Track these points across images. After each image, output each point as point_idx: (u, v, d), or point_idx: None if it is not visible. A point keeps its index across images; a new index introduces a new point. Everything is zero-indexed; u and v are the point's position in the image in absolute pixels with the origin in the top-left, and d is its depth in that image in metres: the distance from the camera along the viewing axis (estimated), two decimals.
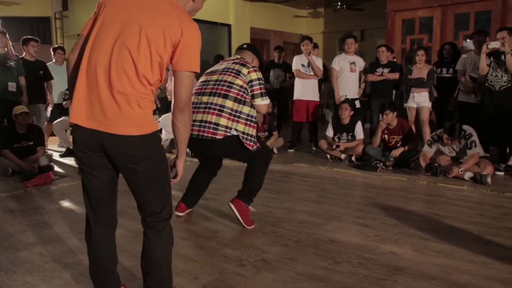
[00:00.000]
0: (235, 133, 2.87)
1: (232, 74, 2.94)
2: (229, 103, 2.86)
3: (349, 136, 5.74)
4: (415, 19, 7.60)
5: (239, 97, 2.89)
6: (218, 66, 3.10)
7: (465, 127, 4.79)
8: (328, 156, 5.88)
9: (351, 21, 10.49)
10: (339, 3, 9.63)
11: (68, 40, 11.45)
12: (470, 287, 2.22)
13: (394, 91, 6.63)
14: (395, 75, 6.21)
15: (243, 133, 2.92)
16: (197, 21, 7.49)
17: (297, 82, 6.54)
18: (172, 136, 6.41)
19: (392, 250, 2.70)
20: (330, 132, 5.93)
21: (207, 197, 3.97)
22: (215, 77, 2.99)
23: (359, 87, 6.44)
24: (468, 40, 7.10)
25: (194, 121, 2.88)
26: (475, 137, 4.69)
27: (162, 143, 6.18)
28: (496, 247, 2.77)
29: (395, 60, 6.85)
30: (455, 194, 4.14)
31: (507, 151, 5.28)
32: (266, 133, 6.60)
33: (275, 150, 6.48)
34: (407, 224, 3.18)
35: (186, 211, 3.39)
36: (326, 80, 7.36)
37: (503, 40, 5.02)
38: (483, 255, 2.62)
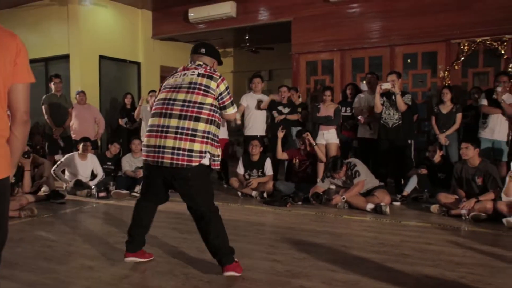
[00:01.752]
0: (208, 156, 2.76)
1: (201, 93, 2.75)
2: (201, 126, 2.71)
3: (259, 173, 5.87)
4: (317, 61, 8.14)
5: (210, 117, 2.76)
6: (180, 78, 2.84)
7: (350, 159, 5.24)
8: (239, 193, 5.93)
9: (260, 62, 10.95)
10: (247, 44, 10.01)
11: None
12: None
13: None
14: (294, 116, 6.48)
15: (213, 154, 2.80)
16: (105, 58, 7.32)
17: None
18: (76, 178, 6.08)
19: (302, 284, 2.75)
20: (241, 169, 6.00)
21: (113, 241, 3.78)
22: (181, 96, 2.75)
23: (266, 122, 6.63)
24: (364, 82, 7.76)
25: (164, 147, 2.70)
26: (359, 167, 5.13)
27: (65, 185, 5.83)
28: (396, 273, 2.96)
29: (300, 99, 7.21)
30: (359, 225, 4.38)
31: (402, 182, 5.75)
32: None
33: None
34: (316, 257, 3.27)
35: (144, 256, 3.17)
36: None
37: (393, 82, 5.58)
38: (385, 281, 2.78)
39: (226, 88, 2.86)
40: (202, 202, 2.89)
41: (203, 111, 2.73)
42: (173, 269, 3.04)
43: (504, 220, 4.26)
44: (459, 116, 5.78)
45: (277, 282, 2.79)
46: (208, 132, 2.75)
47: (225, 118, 3.01)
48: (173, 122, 2.71)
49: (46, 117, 7.00)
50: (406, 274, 2.94)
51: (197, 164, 2.71)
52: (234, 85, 11.42)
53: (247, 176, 5.97)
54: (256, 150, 5.85)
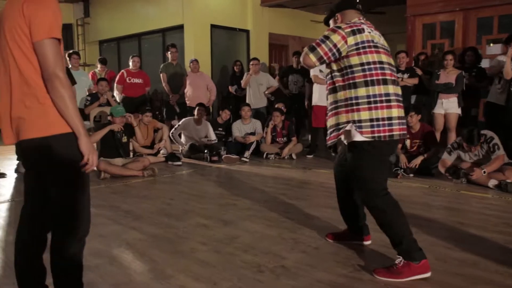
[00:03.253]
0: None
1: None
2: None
3: None
4: (436, 23, 7.49)
5: None
6: (381, 39, 2.50)
7: (484, 131, 4.68)
8: None
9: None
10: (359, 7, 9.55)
11: (90, 46, 11.67)
12: None
13: (414, 96, 6.52)
14: (414, 81, 6.14)
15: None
16: (216, 27, 7.50)
17: (315, 88, 6.50)
18: (191, 141, 6.49)
19: None
20: None
21: (225, 202, 3.98)
22: (390, 59, 2.48)
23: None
24: (491, 45, 6.95)
25: (403, 117, 2.44)
26: (496, 140, 4.57)
27: (181, 148, 6.27)
28: None
29: (413, 65, 6.76)
30: (480, 202, 4.04)
31: None
32: (285, 138, 6.58)
33: (294, 156, 6.46)
34: (428, 233, 3.11)
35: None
36: None
37: None
38: (509, 266, 2.54)
39: None
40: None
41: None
42: (281, 233, 3.12)
43: None
44: None
45: (385, 254, 2.70)
46: None
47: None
48: (395, 89, 2.45)
49: (164, 84, 7.50)
50: None
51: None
52: None
53: None
54: None
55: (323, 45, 2.39)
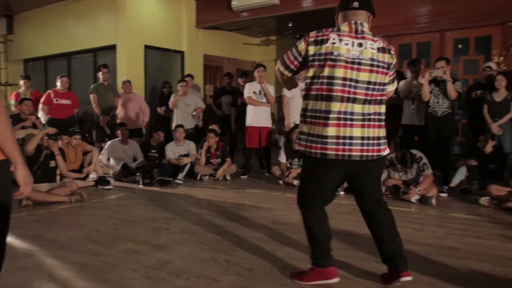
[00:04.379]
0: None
1: (384, 72, 2.36)
2: (383, 109, 2.40)
3: (300, 162, 5.80)
4: None
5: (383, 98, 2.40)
6: (355, 49, 2.28)
7: (413, 151, 5.00)
8: (281, 182, 5.92)
9: None
10: (290, 32, 9.91)
11: (13, 65, 11.05)
12: None
13: None
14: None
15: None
16: (150, 47, 7.42)
17: (249, 109, 6.60)
18: (122, 162, 6.29)
19: (344, 274, 2.71)
20: (282, 158, 5.99)
21: (158, 226, 3.88)
22: (364, 75, 2.29)
23: None
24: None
25: (352, 138, 2.30)
26: (425, 160, 4.92)
27: (111, 171, 6.05)
28: (441, 267, 2.86)
29: None
30: (405, 216, 4.26)
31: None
32: (219, 159, 6.57)
33: (228, 177, 6.46)
34: (359, 249, 3.22)
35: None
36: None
37: (443, 69, 5.34)
38: (430, 275, 2.69)
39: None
40: (381, 192, 2.63)
41: (384, 93, 2.39)
42: (215, 255, 3.08)
43: None
44: None
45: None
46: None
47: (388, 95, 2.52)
48: (358, 108, 2.30)
49: (94, 105, 7.25)
50: (453, 268, 2.84)
51: (384, 153, 2.42)
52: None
53: (288, 165, 5.95)
54: None
55: (289, 54, 2.47)
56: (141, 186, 5.87)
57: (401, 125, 6.18)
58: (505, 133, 5.51)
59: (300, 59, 2.43)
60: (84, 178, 5.84)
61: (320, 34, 2.35)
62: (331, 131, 2.29)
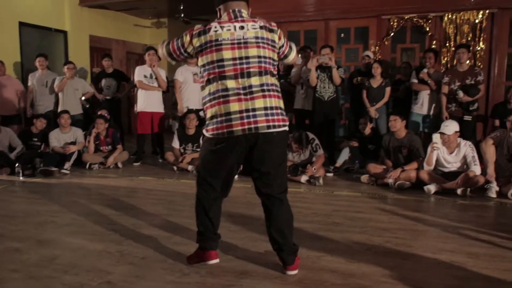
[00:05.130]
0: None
1: (271, 49, 2.43)
2: (275, 80, 2.44)
3: (194, 147, 5.81)
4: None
5: (275, 72, 2.48)
6: (239, 32, 2.36)
7: (308, 133, 5.29)
8: (175, 168, 5.86)
9: None
10: (182, 15, 9.71)
11: None
12: (305, 280, 2.44)
13: None
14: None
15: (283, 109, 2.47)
16: (26, 25, 6.72)
17: (140, 94, 6.38)
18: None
19: (237, 255, 2.80)
20: (176, 143, 5.92)
21: (42, 220, 3.61)
22: (253, 51, 2.35)
23: None
24: (299, 56, 7.84)
25: (254, 109, 2.31)
26: (317, 141, 5.28)
27: None
28: (327, 241, 3.10)
29: None
30: (294, 196, 4.46)
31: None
32: (110, 146, 6.27)
33: (119, 165, 6.21)
34: (250, 229, 3.33)
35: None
36: (168, 92, 7.23)
37: (329, 55, 5.70)
38: (317, 250, 2.90)
39: (283, 35, 2.56)
40: (284, 175, 2.59)
41: (274, 66, 2.46)
42: (107, 247, 2.96)
43: (425, 187, 4.59)
44: (388, 90, 6.03)
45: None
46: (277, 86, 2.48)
47: (290, 62, 2.78)
48: (254, 80, 2.35)
49: None
50: (336, 242, 3.09)
51: (286, 124, 2.44)
52: None
53: (182, 150, 5.90)
54: (192, 124, 5.78)
55: (175, 42, 2.49)
56: (21, 178, 5.36)
57: (292, 109, 6.49)
58: (381, 116, 6.07)
59: (182, 50, 2.48)
60: None
61: (202, 27, 2.43)
62: (233, 107, 2.31)
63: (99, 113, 6.48)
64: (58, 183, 5.17)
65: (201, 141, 5.73)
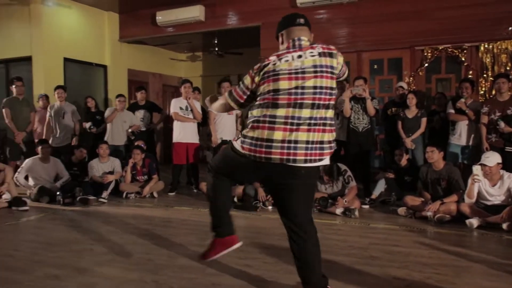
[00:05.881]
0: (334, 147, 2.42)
1: (329, 76, 2.35)
2: (330, 114, 2.38)
3: None
4: None
5: (331, 102, 2.40)
6: (296, 61, 2.33)
7: (339, 164, 5.24)
8: None
9: (229, 66, 10.93)
10: (216, 48, 9.99)
11: None
12: None
13: None
14: None
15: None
16: (70, 60, 7.09)
17: (176, 125, 6.53)
18: (40, 184, 5.87)
19: (274, 287, 2.75)
20: None
21: (80, 248, 3.67)
22: (310, 82, 2.30)
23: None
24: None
25: (296, 142, 2.28)
26: (349, 172, 5.21)
27: (28, 192, 5.65)
28: (365, 275, 3.00)
29: None
30: (329, 228, 4.43)
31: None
32: (146, 176, 6.40)
33: (155, 194, 6.30)
34: (286, 261, 3.27)
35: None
36: (205, 124, 7.35)
37: (363, 87, 5.71)
38: (354, 284, 2.82)
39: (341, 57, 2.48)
40: (311, 206, 2.61)
41: (332, 97, 2.38)
42: (143, 276, 2.98)
43: (467, 221, 4.42)
44: (424, 120, 5.94)
45: (248, 287, 2.77)
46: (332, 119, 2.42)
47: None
48: (305, 112, 2.30)
49: (7, 121, 6.75)
50: (375, 276, 2.99)
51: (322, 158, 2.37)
52: (203, 89, 11.31)
53: None
54: None
55: (238, 89, 2.51)
56: (61, 206, 5.52)
57: None
58: (417, 147, 5.96)
59: (248, 93, 2.48)
60: None
61: (260, 64, 2.43)
62: (276, 135, 2.29)
63: (135, 143, 6.66)
64: (96, 211, 5.28)
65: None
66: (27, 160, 6.12)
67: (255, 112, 2.39)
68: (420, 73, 7.11)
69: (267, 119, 2.31)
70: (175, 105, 6.51)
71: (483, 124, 5.51)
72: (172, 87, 11.14)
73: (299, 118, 2.28)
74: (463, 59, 6.76)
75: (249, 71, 2.47)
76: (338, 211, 4.99)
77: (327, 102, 2.34)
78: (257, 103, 2.40)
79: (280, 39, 2.53)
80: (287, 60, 2.34)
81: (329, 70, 2.34)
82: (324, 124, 2.34)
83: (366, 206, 5.45)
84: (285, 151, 2.28)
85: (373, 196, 5.58)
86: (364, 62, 7.56)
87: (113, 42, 9.39)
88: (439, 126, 6.21)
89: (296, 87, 2.29)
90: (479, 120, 5.58)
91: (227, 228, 2.60)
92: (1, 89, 8.72)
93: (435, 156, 4.91)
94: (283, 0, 7.69)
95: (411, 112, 5.99)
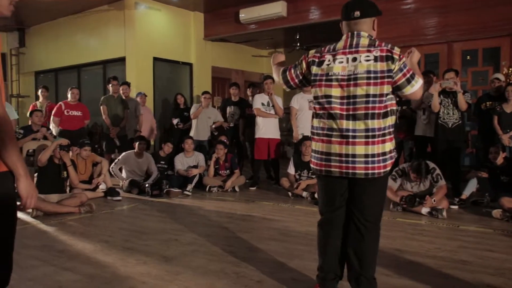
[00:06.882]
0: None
1: (385, 82, 2.21)
2: (388, 122, 2.28)
3: (309, 173, 5.80)
4: None
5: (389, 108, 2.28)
6: (350, 65, 2.24)
7: (428, 162, 4.96)
8: (290, 193, 5.91)
9: None
10: (298, 44, 9.96)
11: (24, 77, 11.21)
12: None
13: None
14: None
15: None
16: (159, 59, 7.51)
17: (258, 121, 6.61)
18: (132, 177, 6.30)
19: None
20: (291, 170, 5.98)
21: (167, 238, 3.88)
22: (362, 89, 2.22)
23: None
24: None
25: (354, 155, 2.25)
26: (438, 171, 4.89)
27: (121, 183, 6.06)
28: (454, 281, 2.82)
29: None
30: (414, 228, 4.22)
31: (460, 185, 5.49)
32: (228, 171, 6.58)
33: (237, 189, 6.45)
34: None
35: None
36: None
37: (454, 79, 5.33)
38: None
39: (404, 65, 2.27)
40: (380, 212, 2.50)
41: (389, 103, 2.26)
42: (224, 267, 3.07)
43: None
44: None
45: None
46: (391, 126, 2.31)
47: (405, 97, 2.44)
48: (359, 124, 2.24)
49: (104, 117, 7.31)
50: (466, 282, 2.79)
51: (386, 170, 2.31)
52: None
53: (297, 177, 5.94)
54: (308, 151, 5.80)
55: (292, 71, 2.52)
56: (149, 197, 5.88)
57: (413, 136, 6.18)
58: None
59: (301, 77, 2.49)
60: (94, 189, 5.87)
61: (317, 55, 2.37)
62: (334, 148, 2.28)
63: (219, 139, 6.87)
64: (181, 203, 5.55)
65: None
66: (124, 153, 6.59)
67: (315, 122, 2.40)
68: None
69: (326, 132, 2.32)
70: (257, 101, 6.59)
71: None
72: (255, 83, 11.30)
73: (354, 130, 2.24)
74: None
75: (304, 56, 2.44)
76: (424, 210, 4.74)
77: (382, 111, 2.23)
78: (315, 112, 2.39)
79: (342, 30, 2.42)
80: (341, 62, 2.27)
81: (385, 75, 2.21)
82: (383, 135, 2.25)
83: (455, 207, 5.11)
84: (344, 164, 2.27)
85: (463, 196, 5.21)
86: (456, 53, 7.09)
87: (198, 40, 9.77)
88: None
89: (348, 96, 2.25)
90: None
91: (317, 277, 2.57)
92: (99, 87, 9.48)
93: None
94: None
95: (510, 106, 5.51)
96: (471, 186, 5.24)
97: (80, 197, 5.09)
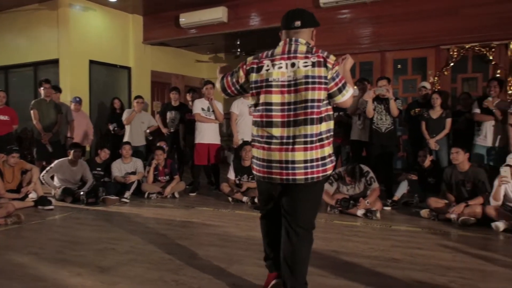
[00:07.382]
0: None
1: (322, 88, 2.26)
2: (324, 127, 2.32)
3: (249, 178, 5.84)
4: None
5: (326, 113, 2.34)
6: (289, 71, 2.28)
7: (361, 166, 5.17)
8: (230, 199, 5.91)
9: None
10: (238, 50, 10.02)
11: None
12: None
13: None
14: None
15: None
16: (95, 62, 7.27)
17: (198, 126, 6.56)
18: (65, 184, 6.00)
19: None
20: (231, 175, 5.99)
21: (103, 247, 3.73)
22: (301, 95, 2.25)
23: None
24: (355, 88, 7.80)
25: (294, 162, 2.28)
26: (372, 174, 5.13)
27: (53, 192, 5.75)
28: (386, 278, 2.96)
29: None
30: (350, 230, 4.38)
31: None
32: (167, 177, 6.46)
33: (176, 195, 6.36)
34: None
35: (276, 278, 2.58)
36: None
37: (386, 87, 5.61)
38: (375, 287, 2.77)
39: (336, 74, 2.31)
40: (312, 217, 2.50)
41: (324, 108, 2.30)
42: (163, 275, 3.01)
43: (492, 224, 4.30)
44: (448, 121, 5.81)
45: None
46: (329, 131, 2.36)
47: (337, 105, 2.44)
48: (299, 130, 2.27)
49: (35, 122, 6.93)
50: (397, 279, 2.94)
51: (326, 174, 2.35)
52: None
53: (237, 181, 5.96)
54: (248, 155, 5.84)
55: (229, 78, 2.52)
56: (85, 205, 5.63)
57: (349, 141, 6.41)
58: (441, 148, 5.83)
59: (237, 86, 2.51)
60: (23, 199, 5.52)
61: (256, 61, 2.39)
62: (274, 155, 2.31)
63: (158, 144, 6.73)
64: (119, 211, 5.37)
65: None
66: (57, 161, 6.24)
67: (255, 130, 2.42)
68: (446, 73, 6.97)
69: (265, 139, 2.34)
70: (197, 106, 6.54)
71: (510, 125, 5.35)
72: (195, 88, 11.23)
73: (294, 136, 2.27)
74: (490, 58, 6.60)
75: (242, 64, 2.46)
76: (360, 212, 4.93)
77: (322, 115, 2.29)
78: (255, 119, 2.41)
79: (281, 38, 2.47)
80: (280, 67, 2.31)
81: (322, 80, 2.26)
82: (321, 140, 2.30)
83: (388, 208, 5.37)
84: (284, 171, 2.31)
85: (395, 198, 5.49)
86: (388, 62, 7.46)
87: (137, 44, 9.55)
88: (464, 127, 6.07)
89: (289, 103, 2.28)
90: (506, 120, 5.42)
91: (270, 265, 2.69)
92: (29, 90, 8.97)
93: (461, 158, 4.80)
94: (306, 0, 7.63)
95: (436, 112, 5.87)
96: (402, 188, 5.53)
97: (6, 207, 4.77)
